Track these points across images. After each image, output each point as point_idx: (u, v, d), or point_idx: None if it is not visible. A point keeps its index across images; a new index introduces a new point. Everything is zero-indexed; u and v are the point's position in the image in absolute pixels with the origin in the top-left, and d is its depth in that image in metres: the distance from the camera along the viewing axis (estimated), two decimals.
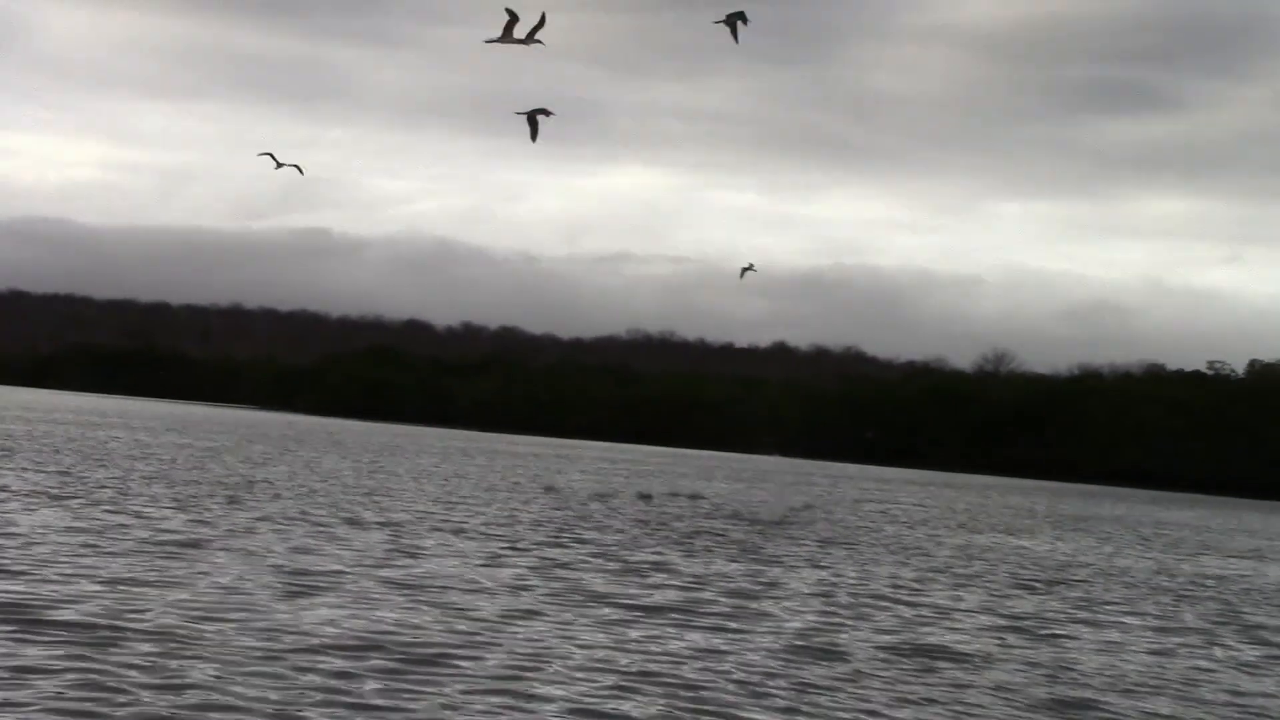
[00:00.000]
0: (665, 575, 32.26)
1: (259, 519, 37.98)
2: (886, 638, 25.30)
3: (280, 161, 43.21)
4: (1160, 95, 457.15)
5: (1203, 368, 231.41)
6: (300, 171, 44.68)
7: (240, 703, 16.25)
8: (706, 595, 29.17)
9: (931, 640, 25.44)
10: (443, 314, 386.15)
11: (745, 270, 52.62)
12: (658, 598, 28.12)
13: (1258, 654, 27.93)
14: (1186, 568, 50.63)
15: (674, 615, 25.90)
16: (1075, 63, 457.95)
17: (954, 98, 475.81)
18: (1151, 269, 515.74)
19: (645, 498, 65.56)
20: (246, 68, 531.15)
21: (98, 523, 33.54)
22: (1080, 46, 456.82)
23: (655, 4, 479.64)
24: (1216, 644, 28.74)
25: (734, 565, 35.96)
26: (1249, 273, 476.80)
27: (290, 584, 25.79)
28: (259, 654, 19.11)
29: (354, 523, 39.46)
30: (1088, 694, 21.40)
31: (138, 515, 36.29)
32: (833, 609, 28.75)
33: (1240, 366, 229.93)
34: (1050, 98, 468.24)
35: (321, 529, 36.65)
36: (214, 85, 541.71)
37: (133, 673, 17.43)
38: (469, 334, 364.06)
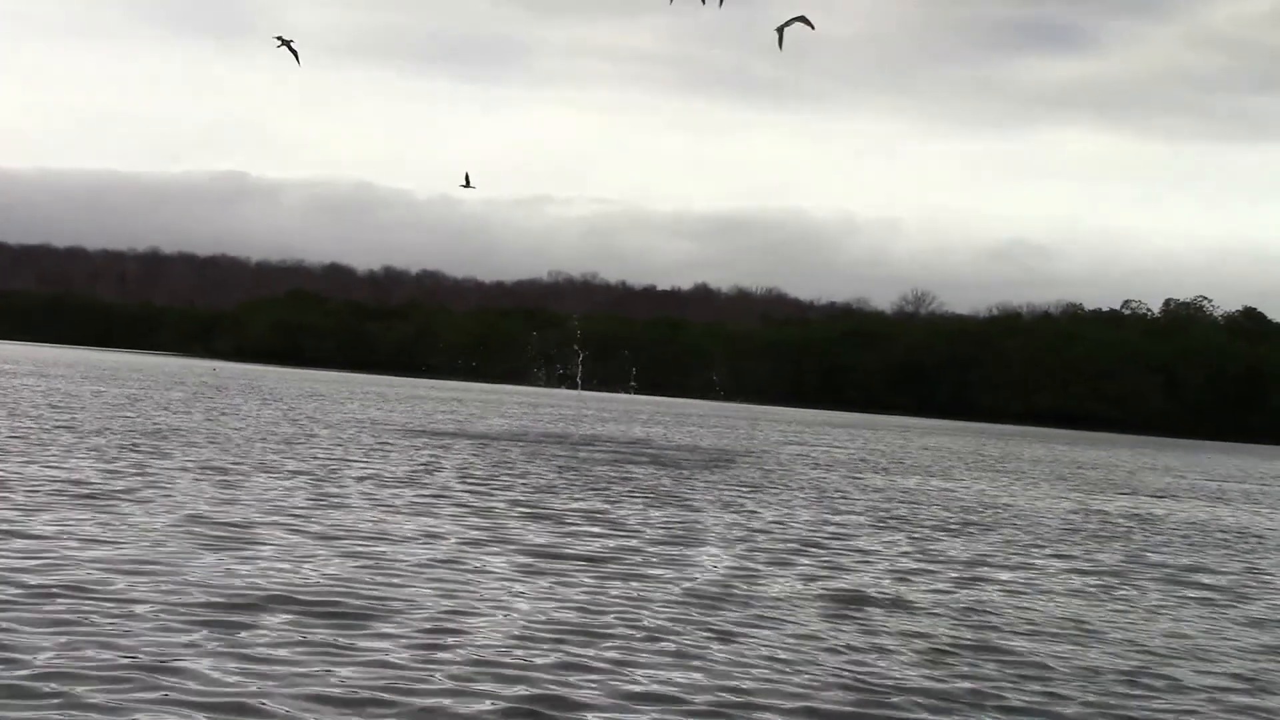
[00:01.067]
0: (580, 522, 32.24)
1: (175, 468, 37.62)
2: (800, 585, 25.40)
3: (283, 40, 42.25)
4: (1077, 34, 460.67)
5: (1119, 307, 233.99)
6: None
7: (153, 661, 16.07)
8: (621, 542, 29.17)
9: (845, 584, 25.56)
10: (364, 258, 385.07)
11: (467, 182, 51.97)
12: (573, 545, 28.10)
13: (1160, 595, 28.28)
14: (1101, 508, 51.23)
15: (586, 563, 25.87)
16: (992, 3, 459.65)
17: (875, 38, 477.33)
18: (1069, 208, 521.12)
19: (560, 440, 65.79)
20: (162, 8, 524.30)
21: (4, 474, 33.09)
22: None
23: None
24: (1125, 585, 29.07)
25: (653, 512, 35.99)
26: (1164, 212, 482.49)
27: (203, 537, 25.54)
28: (169, 610, 18.91)
29: (270, 471, 39.16)
30: (994, 637, 21.57)
31: (47, 466, 35.85)
32: (748, 554, 28.82)
33: (1156, 306, 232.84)
34: (969, 37, 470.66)
35: (238, 478, 36.35)
36: (130, 25, 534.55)
37: (42, 630, 17.21)
38: (390, 278, 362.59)
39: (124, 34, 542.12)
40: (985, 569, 29.41)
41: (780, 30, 34.22)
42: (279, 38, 41.53)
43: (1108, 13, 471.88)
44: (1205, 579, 31.07)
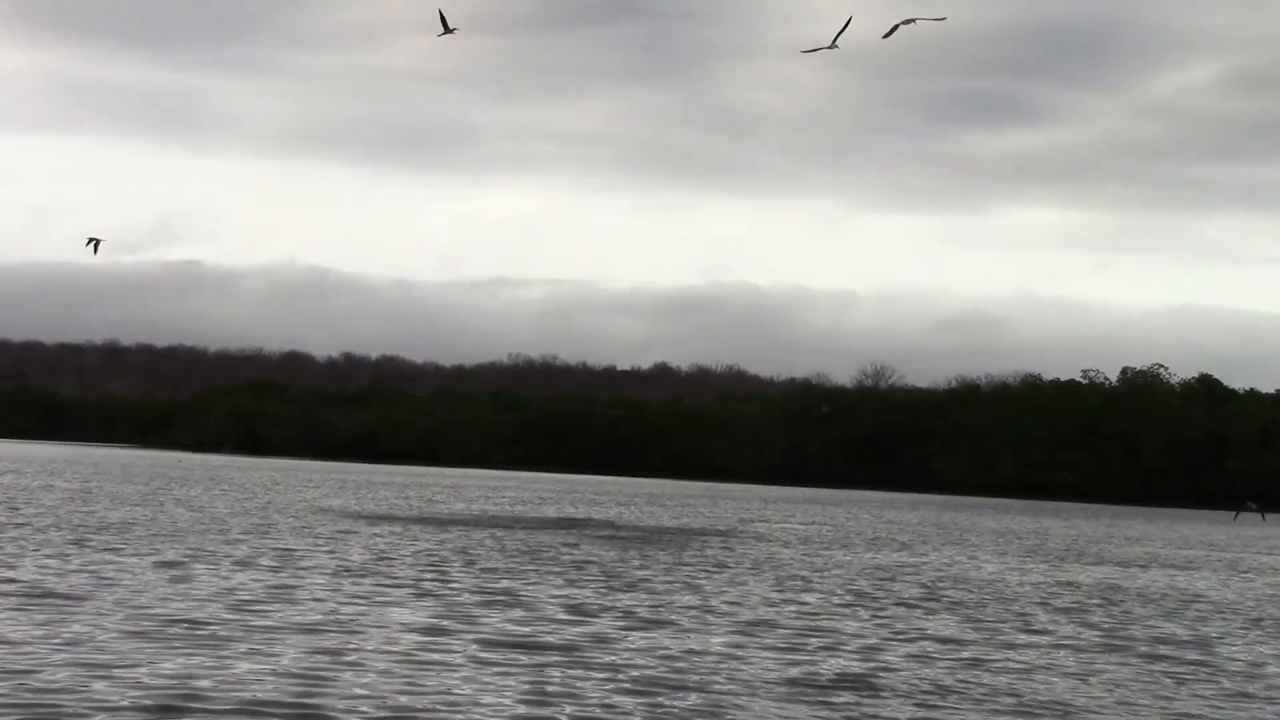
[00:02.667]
0: (538, 608, 32.02)
1: (122, 560, 37.21)
2: (764, 668, 25.20)
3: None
4: (1026, 107, 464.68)
5: (1077, 376, 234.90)
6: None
7: None
8: (581, 629, 28.94)
9: (812, 668, 25.37)
10: (322, 344, 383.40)
11: (94, 242, 50.03)
12: (533, 634, 27.88)
13: (1140, 671, 28.18)
14: (1071, 579, 51.17)
15: (541, 652, 25.64)
16: (943, 76, 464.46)
17: (825, 113, 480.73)
18: (1023, 280, 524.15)
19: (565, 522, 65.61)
20: (115, 99, 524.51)
21: None
22: (948, 59, 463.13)
23: (527, 27, 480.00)
24: (1107, 662, 28.95)
25: (614, 595, 35.73)
26: (1118, 281, 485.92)
27: (155, 635, 25.21)
28: (118, 713, 18.65)
29: (239, 563, 38.77)
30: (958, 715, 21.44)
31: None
32: (712, 637, 28.63)
33: (1113, 374, 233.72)
34: (919, 111, 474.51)
35: (194, 569, 35.96)
36: (83, 118, 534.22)
37: None
38: (349, 364, 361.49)
39: (75, 126, 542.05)
40: (956, 646, 29.17)
41: (893, 29, 34.24)
42: (91, 239, 42.52)
43: (1055, 85, 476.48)
44: (1191, 654, 30.79)
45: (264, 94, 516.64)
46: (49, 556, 38.37)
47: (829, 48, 34.20)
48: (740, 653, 26.58)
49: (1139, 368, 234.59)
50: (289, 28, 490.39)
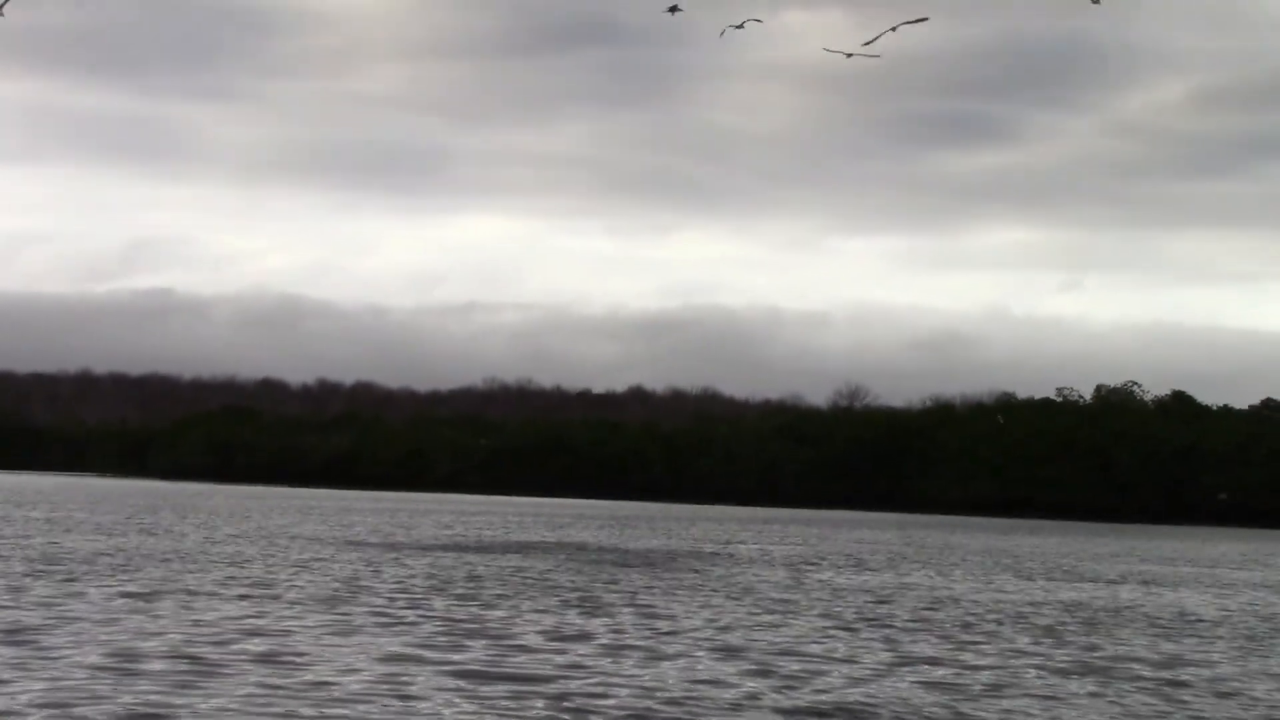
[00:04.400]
0: (512, 637, 31.70)
1: (99, 595, 36.79)
2: (748, 694, 24.92)
3: None
4: (996, 127, 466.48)
5: (1052, 395, 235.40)
6: None
7: None
8: (554, 658, 28.65)
9: (798, 696, 25.12)
10: (296, 371, 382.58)
11: None
12: (504, 663, 27.57)
13: (1132, 692, 27.98)
14: (1053, 598, 51.01)
15: (516, 684, 25.34)
16: (913, 96, 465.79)
17: (796, 135, 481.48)
18: (995, 299, 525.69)
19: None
20: (84, 128, 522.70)
21: None
22: (917, 80, 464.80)
23: (498, 51, 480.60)
24: (1098, 685, 28.74)
25: (592, 621, 35.41)
26: (1089, 299, 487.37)
27: (124, 671, 24.83)
28: None
29: (210, 594, 38.38)
30: None
31: None
32: (695, 662, 28.36)
33: (1087, 392, 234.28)
34: (890, 132, 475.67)
35: (167, 603, 35.55)
36: (52, 146, 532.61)
37: None
38: (324, 391, 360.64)
39: (45, 155, 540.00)
40: (944, 668, 28.92)
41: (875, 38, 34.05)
42: None
43: (1026, 105, 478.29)
44: (1186, 674, 30.61)
45: (234, 121, 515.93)
46: (9, 589, 37.93)
47: (868, 53, 33.93)
48: (716, 678, 26.28)
49: (1113, 385, 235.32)
50: (259, 54, 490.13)
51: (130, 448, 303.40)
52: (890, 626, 37.22)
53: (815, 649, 31.45)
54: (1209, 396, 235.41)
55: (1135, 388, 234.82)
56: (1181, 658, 33.57)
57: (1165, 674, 30.30)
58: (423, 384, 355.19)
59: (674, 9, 29.99)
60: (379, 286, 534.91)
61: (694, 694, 24.34)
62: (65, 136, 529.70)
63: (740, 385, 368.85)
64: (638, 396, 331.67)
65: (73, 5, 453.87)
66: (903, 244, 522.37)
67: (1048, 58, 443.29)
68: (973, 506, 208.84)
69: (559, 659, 27.98)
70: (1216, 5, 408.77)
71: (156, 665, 25.07)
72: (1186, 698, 27.07)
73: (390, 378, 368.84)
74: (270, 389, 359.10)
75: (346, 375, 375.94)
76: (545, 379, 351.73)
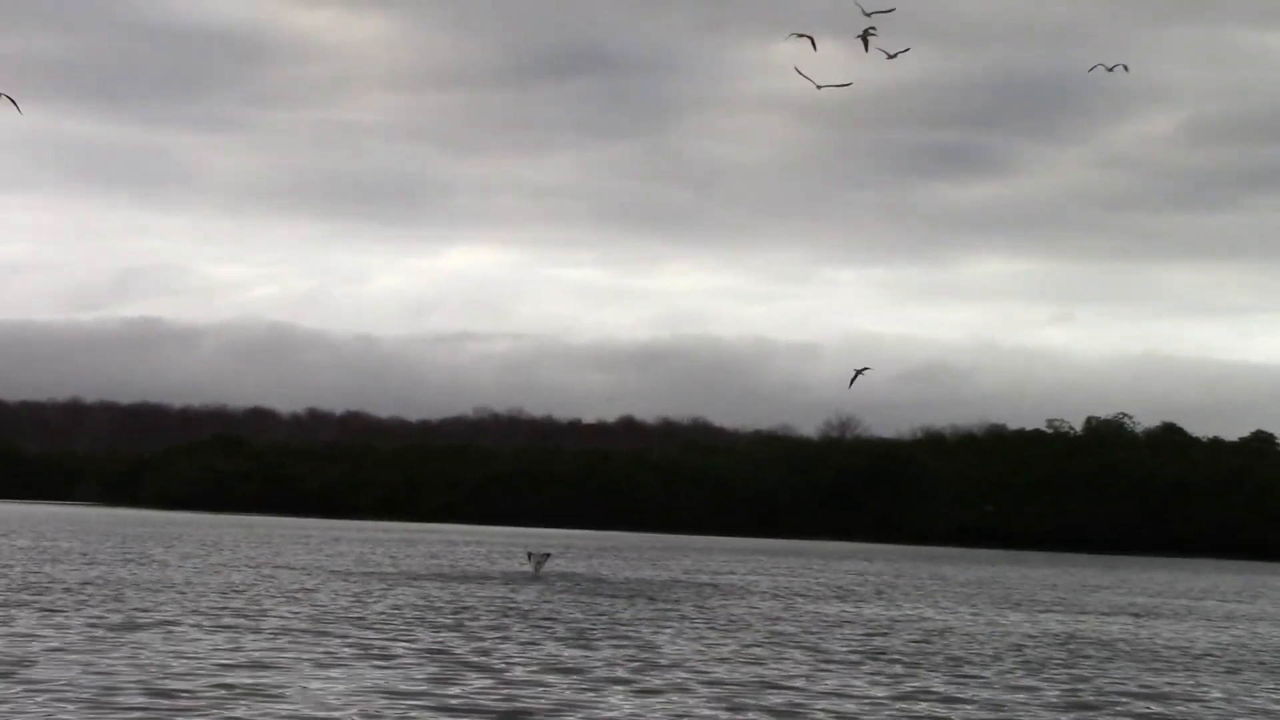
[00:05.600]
0: (499, 670, 31.47)
1: (82, 624, 36.54)
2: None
3: None
4: (987, 158, 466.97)
5: (1042, 426, 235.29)
6: None
7: None
8: (544, 692, 28.44)
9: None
10: (286, 400, 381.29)
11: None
12: (485, 691, 27.37)
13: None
14: (1052, 630, 50.83)
15: (492, 716, 25.15)
16: (905, 128, 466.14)
17: (787, 166, 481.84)
18: (985, 330, 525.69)
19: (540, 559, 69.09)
20: (74, 156, 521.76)
21: None
22: (908, 112, 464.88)
23: (488, 82, 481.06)
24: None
25: (582, 653, 35.17)
26: (1080, 331, 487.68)
27: (108, 705, 24.63)
28: None
29: (214, 628, 38.12)
30: None
31: None
32: (690, 697, 28.17)
33: (1078, 424, 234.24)
34: (881, 163, 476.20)
35: (160, 635, 35.30)
36: (42, 175, 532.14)
37: None
38: (314, 420, 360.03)
39: (34, 183, 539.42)
40: (945, 706, 28.64)
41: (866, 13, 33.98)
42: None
43: (1017, 136, 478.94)
44: (1163, 706, 30.45)
45: (225, 150, 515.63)
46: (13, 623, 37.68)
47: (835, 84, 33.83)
48: (701, 711, 26.10)
49: (1104, 417, 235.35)
50: (251, 83, 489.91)
51: (120, 477, 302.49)
52: (881, 659, 37.01)
53: (803, 683, 31.25)
54: (1199, 428, 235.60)
55: (1126, 419, 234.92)
56: (1167, 689, 33.41)
57: (1156, 708, 30.13)
58: (413, 413, 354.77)
59: None
60: (370, 316, 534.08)
61: None
62: (56, 164, 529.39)
63: (731, 416, 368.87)
64: (628, 427, 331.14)
65: (64, 33, 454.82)
66: (893, 275, 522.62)
67: (1036, 89, 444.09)
68: (962, 537, 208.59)
69: (547, 692, 27.77)
70: (1208, 38, 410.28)
71: (135, 698, 24.85)
72: None
73: (381, 407, 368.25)
74: (260, 418, 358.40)
75: (337, 405, 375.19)
76: (536, 409, 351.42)
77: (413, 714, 24.50)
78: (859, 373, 39.15)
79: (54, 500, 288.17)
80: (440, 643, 36.15)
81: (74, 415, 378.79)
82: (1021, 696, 30.83)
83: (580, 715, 25.09)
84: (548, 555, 73.74)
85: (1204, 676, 37.44)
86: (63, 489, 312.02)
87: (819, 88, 30.80)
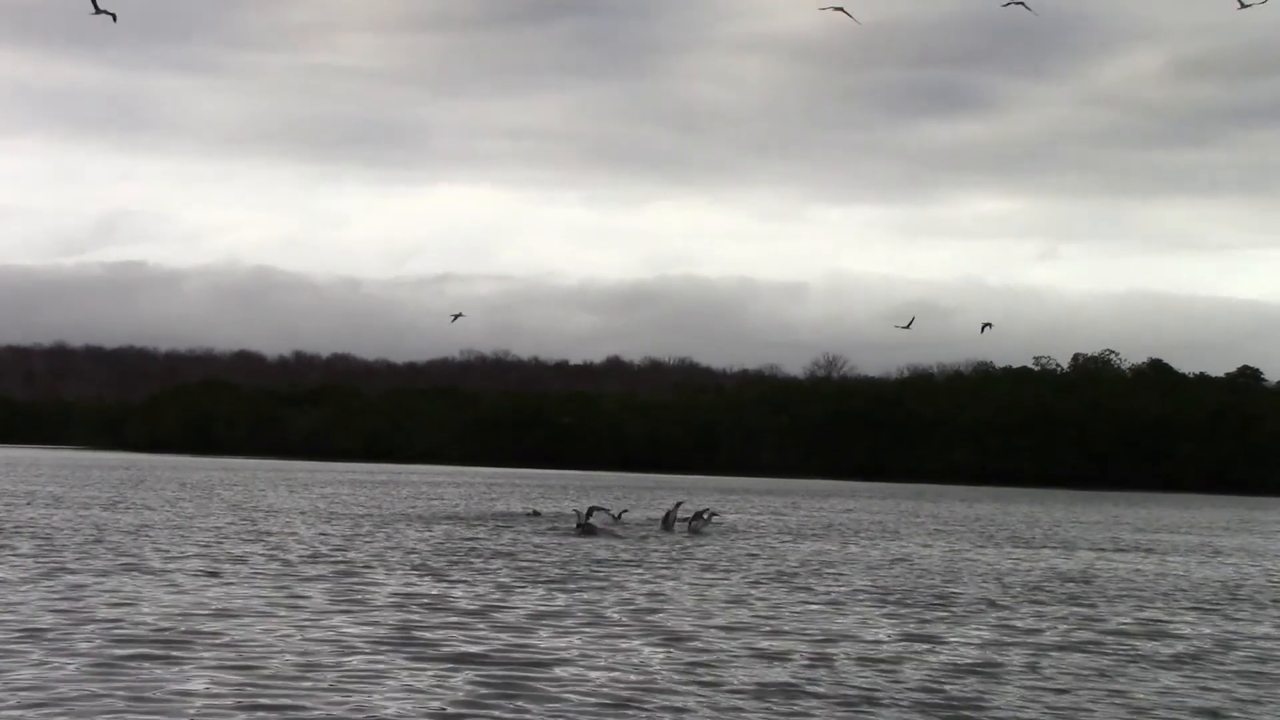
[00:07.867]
0: (468, 614, 31.38)
1: (69, 568, 36.41)
2: (705, 670, 24.67)
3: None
4: (973, 97, 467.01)
5: (1029, 364, 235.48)
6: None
7: None
8: (524, 638, 28.36)
9: (803, 667, 24.89)
10: (272, 344, 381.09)
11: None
12: (474, 643, 27.26)
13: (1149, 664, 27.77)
14: (1043, 565, 50.89)
15: (487, 666, 25.05)
16: (890, 67, 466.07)
17: (773, 106, 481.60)
18: (972, 268, 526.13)
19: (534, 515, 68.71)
20: (56, 101, 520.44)
21: None
22: (894, 51, 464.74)
23: (473, 23, 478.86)
24: (1116, 661, 28.54)
25: (567, 597, 35.10)
26: (1066, 268, 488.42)
27: (105, 656, 24.47)
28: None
29: (173, 568, 37.99)
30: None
31: None
32: (695, 639, 28.10)
33: (1065, 361, 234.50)
34: (865, 102, 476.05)
35: (156, 577, 35.17)
36: (23, 120, 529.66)
37: None
38: (301, 363, 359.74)
39: (15, 128, 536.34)
40: (950, 646, 28.57)
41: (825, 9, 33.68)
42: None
43: (1001, 75, 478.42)
44: (1180, 645, 30.50)
45: (208, 93, 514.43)
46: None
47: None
48: (728, 658, 26.02)
49: (1090, 354, 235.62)
50: (233, 27, 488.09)
51: (110, 421, 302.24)
52: (870, 599, 36.99)
53: (800, 622, 31.21)
54: (1186, 364, 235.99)
55: (1113, 356, 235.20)
56: (1160, 623, 33.43)
57: (1146, 642, 30.13)
58: (399, 356, 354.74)
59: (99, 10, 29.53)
60: (354, 258, 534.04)
61: (681, 675, 24.08)
62: (37, 110, 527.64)
63: (718, 355, 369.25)
64: (615, 368, 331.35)
65: None
66: (879, 214, 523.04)
67: (1024, 28, 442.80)
68: (950, 475, 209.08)
69: (536, 638, 27.68)
70: None
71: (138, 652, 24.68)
72: (1163, 662, 26.88)
73: (366, 350, 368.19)
74: (247, 361, 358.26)
75: (322, 348, 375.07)
76: (522, 350, 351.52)
77: (395, 659, 24.38)
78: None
79: (42, 445, 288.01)
80: (424, 585, 36.04)
81: (60, 360, 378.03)
82: (1012, 635, 30.78)
83: (568, 656, 24.97)
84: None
85: (1192, 613, 37.43)
86: (51, 434, 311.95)
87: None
